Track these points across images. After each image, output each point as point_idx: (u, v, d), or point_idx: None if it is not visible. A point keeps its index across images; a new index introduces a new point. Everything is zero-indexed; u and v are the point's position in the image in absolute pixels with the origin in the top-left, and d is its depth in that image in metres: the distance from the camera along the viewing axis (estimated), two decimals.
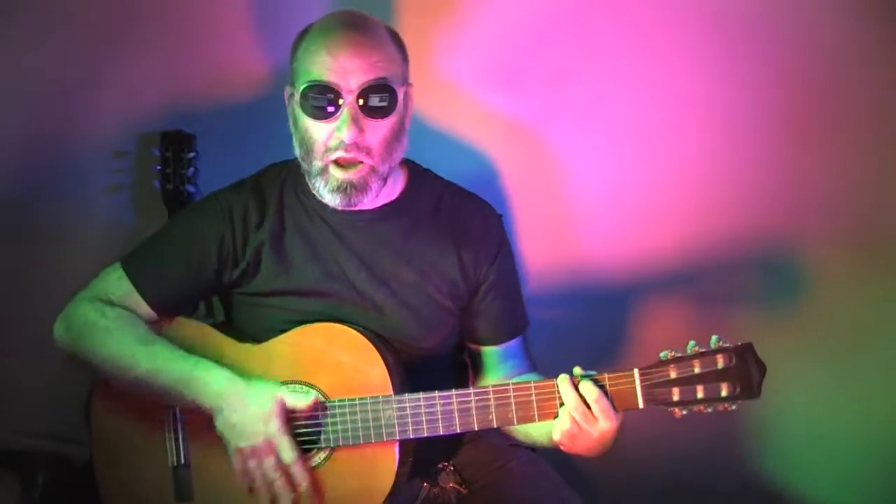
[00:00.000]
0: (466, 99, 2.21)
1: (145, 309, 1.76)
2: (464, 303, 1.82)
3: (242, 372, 1.68)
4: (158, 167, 2.20)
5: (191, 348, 1.72)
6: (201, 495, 1.74)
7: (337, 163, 1.66)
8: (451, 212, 1.81)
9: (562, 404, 1.59)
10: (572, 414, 1.57)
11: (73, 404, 1.87)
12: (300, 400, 1.65)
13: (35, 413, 2.25)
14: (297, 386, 1.69)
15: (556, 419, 1.60)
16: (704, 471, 2.23)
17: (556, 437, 1.61)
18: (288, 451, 1.63)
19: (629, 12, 2.16)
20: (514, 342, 1.87)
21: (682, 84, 2.18)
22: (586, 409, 1.57)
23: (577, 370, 1.61)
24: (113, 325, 1.72)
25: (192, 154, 2.21)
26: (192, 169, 2.21)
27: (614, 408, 1.57)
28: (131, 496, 1.78)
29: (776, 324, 2.20)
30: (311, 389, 1.68)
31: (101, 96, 2.21)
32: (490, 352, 1.86)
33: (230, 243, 1.77)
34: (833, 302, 2.20)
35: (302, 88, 1.65)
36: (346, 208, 1.71)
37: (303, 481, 1.64)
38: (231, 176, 1.86)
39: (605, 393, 1.57)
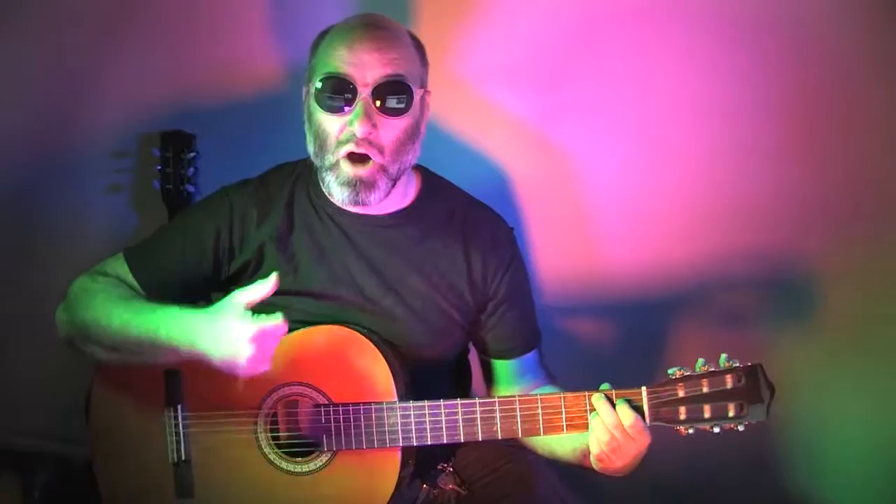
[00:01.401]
0: (480, 104, 2.20)
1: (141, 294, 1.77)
2: (472, 317, 1.82)
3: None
4: (158, 167, 2.19)
5: None
6: (202, 492, 1.73)
7: (349, 158, 1.66)
8: (463, 222, 1.81)
9: (591, 417, 1.60)
10: (612, 432, 1.58)
11: (73, 404, 1.86)
12: (259, 287, 1.58)
13: (35, 413, 2.25)
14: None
15: (591, 439, 1.61)
16: (707, 471, 2.23)
17: (595, 451, 1.61)
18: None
19: (638, 18, 2.16)
20: (528, 356, 1.86)
21: (689, 89, 2.18)
22: (624, 430, 1.58)
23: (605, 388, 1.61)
24: (99, 288, 1.73)
25: (192, 154, 2.21)
26: (192, 169, 2.21)
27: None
28: (132, 493, 1.77)
29: (787, 336, 2.20)
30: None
31: (101, 96, 2.19)
32: (503, 365, 1.86)
33: (227, 239, 1.77)
34: (844, 313, 2.20)
35: (318, 82, 1.65)
36: (354, 206, 1.71)
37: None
38: (231, 176, 1.85)
39: (641, 414, 1.58)
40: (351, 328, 1.71)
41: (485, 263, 1.80)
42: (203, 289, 1.83)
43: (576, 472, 1.81)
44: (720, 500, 2.31)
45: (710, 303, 2.21)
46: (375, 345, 1.69)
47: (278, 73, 2.21)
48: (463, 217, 1.81)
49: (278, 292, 1.74)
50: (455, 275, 1.79)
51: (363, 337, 1.69)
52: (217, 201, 1.80)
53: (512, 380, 1.86)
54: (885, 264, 2.19)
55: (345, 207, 1.76)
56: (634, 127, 2.20)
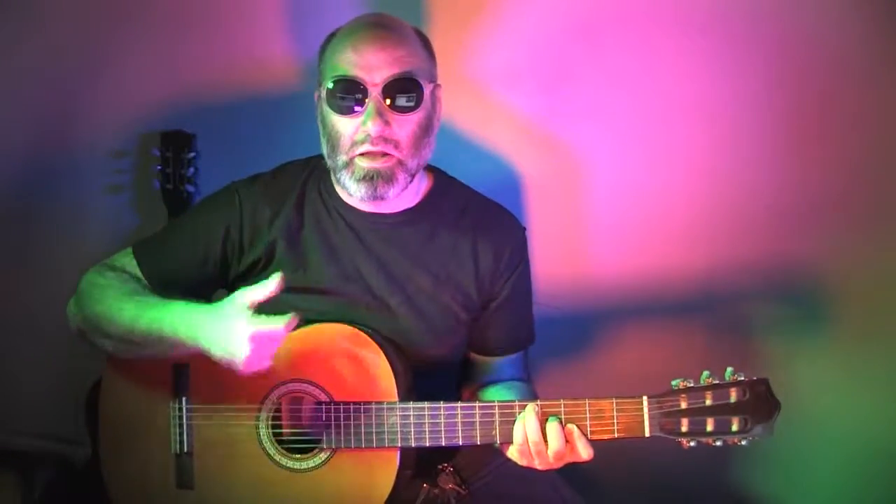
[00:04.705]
0: (485, 103, 2.19)
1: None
2: (475, 314, 1.83)
3: None
4: (158, 167, 2.20)
5: None
6: (202, 483, 1.75)
7: (363, 155, 1.67)
8: (474, 221, 1.81)
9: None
10: (530, 448, 1.59)
11: (73, 404, 1.88)
12: (262, 287, 1.57)
13: (35, 413, 2.25)
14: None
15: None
16: (706, 471, 2.22)
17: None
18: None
19: (643, 18, 2.15)
20: (511, 357, 1.88)
21: (693, 91, 2.17)
22: (543, 448, 1.58)
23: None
24: (108, 283, 1.74)
25: (192, 154, 2.21)
26: (192, 169, 2.21)
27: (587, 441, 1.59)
28: (134, 482, 1.79)
29: (796, 348, 2.19)
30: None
31: (101, 96, 2.19)
32: (484, 361, 1.89)
33: (236, 236, 1.78)
34: (854, 324, 2.18)
35: (328, 86, 1.67)
36: (371, 201, 1.71)
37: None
38: (231, 176, 1.85)
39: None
40: (356, 327, 1.71)
41: (495, 264, 1.80)
42: (211, 285, 1.84)
43: (576, 472, 1.81)
44: (721, 499, 2.31)
45: (716, 311, 2.20)
46: (379, 344, 1.69)
47: (279, 73, 2.20)
48: (474, 216, 1.82)
49: (288, 289, 1.74)
50: (463, 274, 1.79)
51: (367, 336, 1.70)
52: (226, 198, 1.80)
53: (484, 374, 1.88)
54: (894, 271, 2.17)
55: (357, 205, 1.76)
56: (638, 128, 2.19)
